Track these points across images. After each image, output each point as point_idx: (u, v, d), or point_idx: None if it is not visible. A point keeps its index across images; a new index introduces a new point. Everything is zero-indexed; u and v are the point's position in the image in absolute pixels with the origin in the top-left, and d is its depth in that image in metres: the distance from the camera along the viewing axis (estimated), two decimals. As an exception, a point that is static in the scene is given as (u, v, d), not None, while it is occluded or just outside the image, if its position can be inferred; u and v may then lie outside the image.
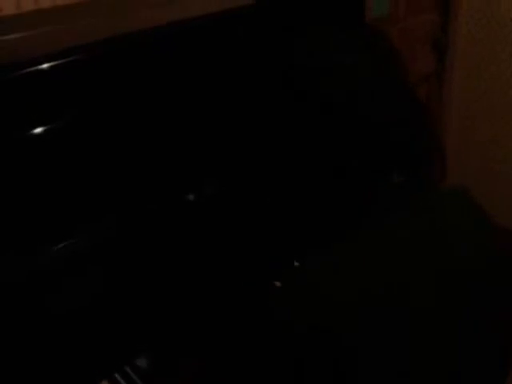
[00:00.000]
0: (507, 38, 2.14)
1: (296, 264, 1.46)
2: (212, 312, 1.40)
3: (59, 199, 1.21)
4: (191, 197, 1.37)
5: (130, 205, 1.29)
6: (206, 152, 1.40)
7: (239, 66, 1.42)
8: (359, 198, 0.96)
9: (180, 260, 1.36)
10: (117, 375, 1.26)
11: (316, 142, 0.95)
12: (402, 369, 0.83)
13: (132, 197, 1.30)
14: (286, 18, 1.11)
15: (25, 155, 1.17)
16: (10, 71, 1.15)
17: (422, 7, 2.02)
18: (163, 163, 1.35)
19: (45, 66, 1.18)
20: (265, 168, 1.46)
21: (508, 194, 2.34)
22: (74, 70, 1.23)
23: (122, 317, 1.29)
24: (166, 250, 1.33)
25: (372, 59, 0.91)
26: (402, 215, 0.90)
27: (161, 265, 1.33)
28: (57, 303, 1.20)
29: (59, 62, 1.20)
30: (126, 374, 1.27)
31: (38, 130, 1.20)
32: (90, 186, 1.25)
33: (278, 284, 1.38)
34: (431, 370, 0.84)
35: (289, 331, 0.84)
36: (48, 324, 1.18)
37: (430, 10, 2.06)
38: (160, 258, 1.33)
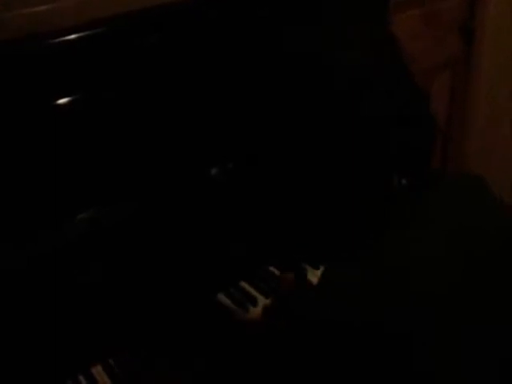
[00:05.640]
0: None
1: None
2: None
3: (73, 179, 1.22)
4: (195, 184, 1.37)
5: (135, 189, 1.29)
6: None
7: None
8: (362, 200, 0.95)
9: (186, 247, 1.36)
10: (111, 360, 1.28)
11: (313, 143, 0.95)
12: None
13: (135, 181, 1.30)
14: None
15: (43, 129, 1.18)
16: (38, 43, 1.17)
17: (449, -10, 1.98)
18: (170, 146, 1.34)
19: (72, 37, 1.19)
20: (267, 165, 1.44)
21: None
22: (99, 43, 1.23)
23: (126, 302, 1.30)
24: (164, 247, 1.33)
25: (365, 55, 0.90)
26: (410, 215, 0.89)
27: (167, 254, 1.34)
28: (65, 285, 1.21)
29: (86, 33, 1.21)
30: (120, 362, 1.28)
31: (56, 104, 1.21)
32: (95, 170, 1.25)
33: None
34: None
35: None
36: (53, 306, 1.20)
37: (457, -6, 2.02)
38: (165, 248, 1.33)
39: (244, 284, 1.50)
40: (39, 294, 1.18)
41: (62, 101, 1.20)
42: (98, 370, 1.28)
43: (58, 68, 1.19)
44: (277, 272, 1.53)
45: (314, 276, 1.45)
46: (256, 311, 1.42)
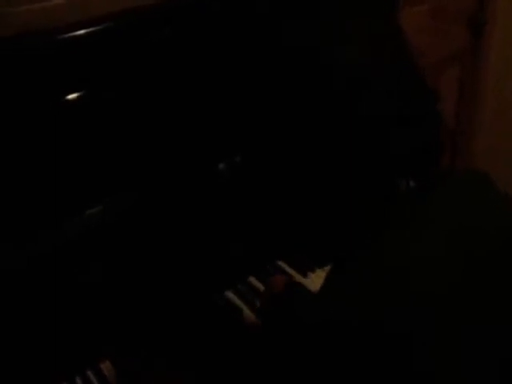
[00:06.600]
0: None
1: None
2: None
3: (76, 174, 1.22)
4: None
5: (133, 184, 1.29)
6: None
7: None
8: (362, 199, 0.94)
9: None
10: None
11: (311, 144, 0.94)
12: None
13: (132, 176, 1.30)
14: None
15: (45, 127, 1.19)
16: (48, 37, 1.18)
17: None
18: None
19: (81, 32, 1.20)
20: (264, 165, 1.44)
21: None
22: (106, 38, 1.24)
23: (128, 301, 1.32)
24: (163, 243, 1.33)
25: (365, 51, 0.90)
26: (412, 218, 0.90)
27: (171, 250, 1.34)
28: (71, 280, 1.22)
29: (94, 29, 1.22)
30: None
31: (62, 102, 1.21)
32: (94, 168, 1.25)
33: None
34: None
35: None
36: (53, 305, 1.22)
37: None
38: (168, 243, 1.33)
39: (252, 279, 1.51)
40: (38, 294, 1.19)
41: (67, 97, 1.21)
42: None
43: (66, 63, 1.20)
44: (284, 266, 1.53)
45: (321, 273, 1.46)
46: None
